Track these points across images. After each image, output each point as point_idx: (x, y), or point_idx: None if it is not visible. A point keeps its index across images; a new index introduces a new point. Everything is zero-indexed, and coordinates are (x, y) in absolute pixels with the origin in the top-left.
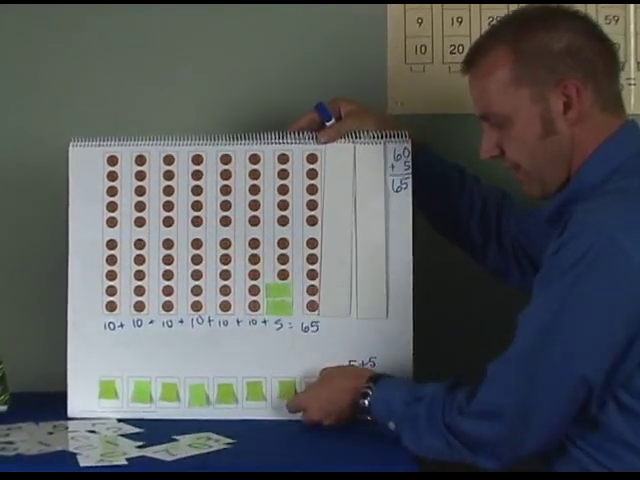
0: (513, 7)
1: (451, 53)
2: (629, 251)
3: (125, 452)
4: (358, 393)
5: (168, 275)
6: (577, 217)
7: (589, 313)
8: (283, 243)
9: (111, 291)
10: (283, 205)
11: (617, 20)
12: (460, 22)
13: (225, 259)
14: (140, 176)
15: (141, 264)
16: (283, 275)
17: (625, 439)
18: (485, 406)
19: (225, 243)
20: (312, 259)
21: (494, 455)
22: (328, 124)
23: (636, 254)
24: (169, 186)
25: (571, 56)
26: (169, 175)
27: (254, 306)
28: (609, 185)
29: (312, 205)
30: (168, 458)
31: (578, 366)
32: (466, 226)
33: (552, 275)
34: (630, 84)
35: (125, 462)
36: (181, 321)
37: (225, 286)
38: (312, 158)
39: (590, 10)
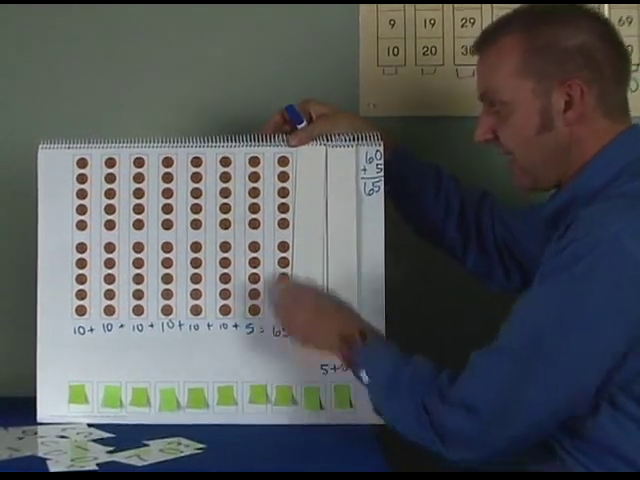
0: (486, 8)
1: (424, 55)
2: (634, 253)
3: (96, 457)
4: (346, 331)
5: (138, 279)
6: (583, 219)
7: (593, 314)
8: (254, 246)
9: (81, 295)
10: (254, 208)
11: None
12: (433, 24)
13: (196, 262)
14: (110, 179)
15: (111, 267)
16: (254, 279)
17: (614, 444)
18: (466, 396)
19: (196, 246)
20: (284, 262)
21: (458, 447)
22: (299, 127)
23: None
24: (139, 189)
25: (582, 56)
26: (139, 178)
27: (225, 310)
28: (612, 189)
29: (283, 208)
30: (139, 463)
31: (577, 370)
32: (444, 227)
33: (555, 272)
34: None
35: (96, 467)
36: (151, 325)
37: (196, 290)
38: (283, 161)
39: None
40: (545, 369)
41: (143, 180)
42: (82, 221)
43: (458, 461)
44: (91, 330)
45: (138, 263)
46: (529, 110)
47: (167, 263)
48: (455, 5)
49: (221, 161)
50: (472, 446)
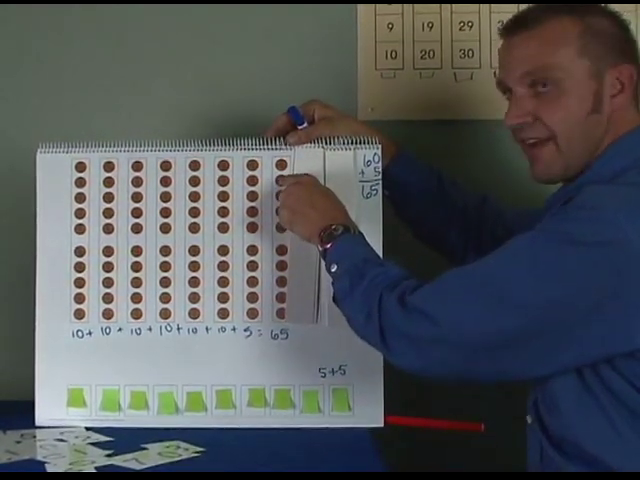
0: (485, 12)
1: (422, 59)
2: (629, 233)
3: (94, 461)
4: (330, 225)
5: (137, 282)
6: (585, 194)
7: (566, 272)
8: (252, 250)
9: (79, 298)
10: (252, 212)
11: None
12: (431, 27)
13: (194, 266)
14: (108, 183)
15: (109, 271)
16: (252, 282)
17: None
18: (426, 305)
19: (194, 250)
20: (282, 266)
21: (401, 347)
22: (300, 128)
23: (634, 236)
24: (138, 193)
25: (629, 45)
26: (137, 182)
27: (223, 313)
28: (622, 180)
29: None
30: (137, 467)
31: (534, 315)
32: (445, 231)
33: (547, 227)
34: None
35: (94, 471)
36: (150, 329)
37: (194, 293)
38: (282, 164)
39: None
40: (506, 305)
41: (141, 184)
42: (81, 225)
43: (399, 363)
44: (89, 334)
45: (136, 267)
46: (585, 90)
47: (165, 266)
48: (453, 9)
49: (219, 164)
50: (418, 349)
